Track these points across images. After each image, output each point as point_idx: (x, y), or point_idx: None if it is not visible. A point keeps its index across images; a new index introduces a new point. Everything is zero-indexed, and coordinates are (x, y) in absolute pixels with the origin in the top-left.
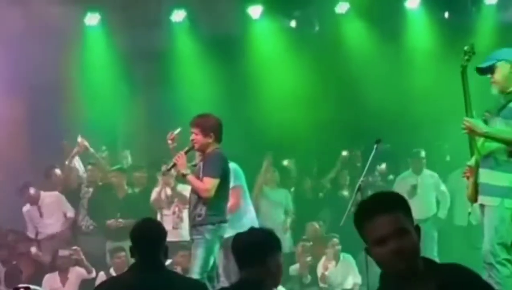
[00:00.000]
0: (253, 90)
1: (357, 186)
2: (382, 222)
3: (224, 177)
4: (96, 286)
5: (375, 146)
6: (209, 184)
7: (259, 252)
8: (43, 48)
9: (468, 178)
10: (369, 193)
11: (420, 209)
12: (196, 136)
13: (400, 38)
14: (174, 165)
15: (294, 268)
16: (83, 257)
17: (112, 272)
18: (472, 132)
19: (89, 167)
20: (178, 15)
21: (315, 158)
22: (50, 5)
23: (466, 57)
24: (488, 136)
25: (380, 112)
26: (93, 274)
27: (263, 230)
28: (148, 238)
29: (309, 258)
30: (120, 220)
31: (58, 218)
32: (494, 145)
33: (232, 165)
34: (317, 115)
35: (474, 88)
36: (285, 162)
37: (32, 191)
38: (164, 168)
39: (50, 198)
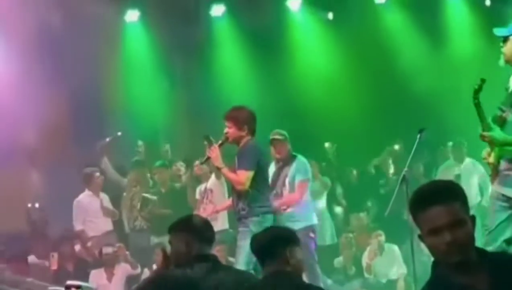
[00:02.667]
0: (293, 82)
1: (401, 176)
2: (438, 212)
3: (260, 168)
4: (148, 278)
5: (418, 136)
6: (243, 177)
7: (278, 247)
8: (84, 46)
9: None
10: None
11: None
12: (230, 130)
13: (440, 28)
14: (208, 159)
15: (338, 260)
16: (127, 253)
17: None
18: (492, 144)
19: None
20: (218, 10)
21: (358, 147)
22: (90, 4)
23: (477, 95)
24: (508, 145)
25: (420, 102)
26: (138, 270)
27: (279, 227)
28: (208, 232)
29: (353, 249)
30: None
31: (107, 219)
32: None
33: (301, 159)
34: (357, 105)
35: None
36: (326, 144)
37: (99, 179)
38: (197, 162)
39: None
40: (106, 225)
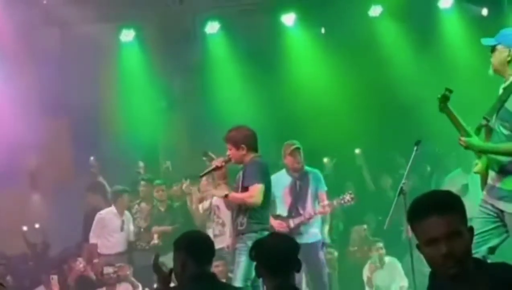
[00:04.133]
0: (289, 97)
1: (399, 189)
2: (434, 223)
3: (265, 184)
4: None
5: (415, 148)
6: (256, 190)
7: (294, 259)
8: (81, 66)
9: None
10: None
11: (473, 207)
12: (230, 151)
13: (435, 39)
14: (215, 169)
15: None
16: (128, 273)
17: None
18: (469, 149)
19: (143, 183)
20: (212, 27)
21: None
22: (85, 24)
23: (443, 104)
24: (485, 152)
25: (417, 113)
26: (140, 289)
27: (285, 235)
28: (206, 248)
29: (336, 269)
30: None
31: (127, 236)
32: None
33: (314, 170)
34: (353, 118)
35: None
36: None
37: (126, 199)
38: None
39: (127, 215)
40: (120, 245)
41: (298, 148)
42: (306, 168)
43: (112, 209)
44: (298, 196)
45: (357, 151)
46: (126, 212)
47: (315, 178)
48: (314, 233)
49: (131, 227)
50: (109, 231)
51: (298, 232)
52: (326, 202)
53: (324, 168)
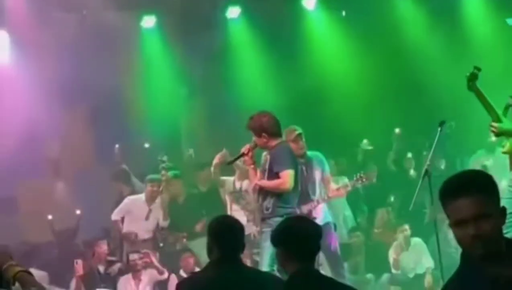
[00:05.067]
0: (310, 81)
1: (423, 170)
2: (462, 204)
3: (294, 169)
4: (178, 283)
5: (439, 129)
6: (287, 176)
7: (317, 242)
8: (101, 53)
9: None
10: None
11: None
12: (254, 138)
13: (458, 20)
14: (242, 155)
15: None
16: (153, 259)
17: (182, 273)
18: (501, 135)
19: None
20: (233, 12)
21: (376, 143)
22: (106, 10)
23: (471, 83)
24: None
25: (439, 95)
26: (165, 275)
27: (308, 218)
28: (232, 234)
29: (363, 248)
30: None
31: (154, 225)
32: None
33: (316, 153)
34: (375, 102)
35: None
36: (365, 141)
37: (156, 190)
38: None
39: (156, 204)
40: (144, 233)
41: (300, 134)
42: (308, 152)
43: (142, 196)
44: (306, 181)
45: (397, 130)
46: (157, 202)
47: (319, 161)
48: (324, 216)
49: (160, 217)
50: (134, 218)
51: (312, 217)
52: (339, 184)
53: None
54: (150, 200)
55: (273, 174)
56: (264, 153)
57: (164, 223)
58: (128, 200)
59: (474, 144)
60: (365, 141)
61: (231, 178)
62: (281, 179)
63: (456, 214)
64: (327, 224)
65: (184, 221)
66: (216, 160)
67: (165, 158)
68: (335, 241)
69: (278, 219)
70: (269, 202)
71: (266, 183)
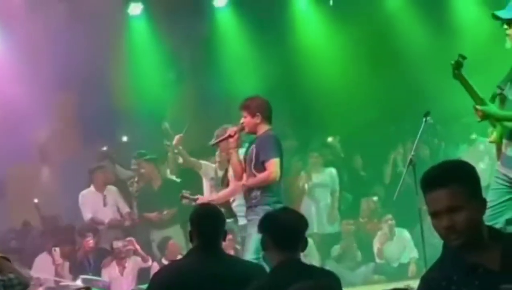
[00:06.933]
0: (298, 70)
1: (407, 160)
2: (436, 196)
3: (281, 158)
4: (155, 272)
5: (423, 119)
6: (274, 165)
7: (303, 235)
8: (88, 40)
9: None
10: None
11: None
12: (245, 119)
13: (447, 11)
14: (228, 137)
15: (335, 248)
16: (137, 246)
17: (165, 261)
18: (486, 118)
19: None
20: (220, 0)
21: (362, 135)
22: None
23: (456, 71)
24: (503, 120)
25: (424, 86)
26: (149, 262)
27: (297, 211)
28: (210, 222)
29: (352, 237)
30: (165, 212)
31: (114, 210)
32: None
33: None
34: (362, 92)
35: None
36: (330, 139)
37: (103, 176)
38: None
39: (110, 189)
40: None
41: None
42: None
43: (91, 187)
44: None
45: (329, 139)
46: (110, 187)
47: None
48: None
49: (120, 201)
50: (92, 210)
51: None
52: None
53: (334, 149)
54: (100, 187)
55: (259, 163)
56: (252, 146)
57: (125, 209)
58: (81, 195)
59: (457, 137)
60: (330, 139)
61: (212, 164)
62: (267, 169)
63: (432, 205)
64: None
65: (158, 207)
66: (175, 141)
67: (166, 125)
68: None
69: (266, 207)
70: (256, 191)
71: (253, 181)
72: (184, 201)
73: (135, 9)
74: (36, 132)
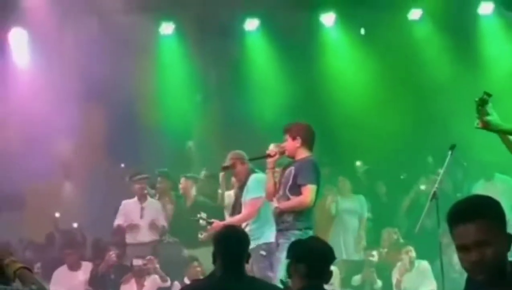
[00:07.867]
0: (326, 98)
1: (431, 193)
2: (464, 230)
3: (318, 185)
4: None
5: (449, 152)
6: (310, 191)
7: (328, 265)
8: (119, 57)
9: None
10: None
11: None
12: (287, 143)
13: (473, 46)
14: (267, 156)
15: (356, 279)
16: (157, 265)
17: (186, 281)
18: (487, 128)
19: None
20: (251, 24)
21: (388, 163)
22: (125, 15)
23: (480, 108)
24: (502, 132)
25: (450, 120)
26: (168, 283)
27: (325, 241)
28: (234, 243)
29: (373, 268)
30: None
31: (147, 223)
32: None
33: (261, 176)
34: (388, 121)
35: None
36: (358, 163)
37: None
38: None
39: (151, 202)
40: (142, 235)
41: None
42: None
43: (135, 198)
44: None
45: (358, 163)
46: (152, 200)
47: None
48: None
49: (159, 217)
50: (126, 219)
51: None
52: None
53: (356, 170)
54: (141, 198)
55: (296, 187)
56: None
57: (162, 223)
58: (122, 204)
59: (479, 172)
60: (358, 163)
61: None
62: (303, 194)
63: (459, 239)
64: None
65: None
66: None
67: (190, 143)
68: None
69: (296, 233)
70: (288, 216)
71: (287, 204)
72: (201, 222)
73: (167, 28)
74: (61, 148)
